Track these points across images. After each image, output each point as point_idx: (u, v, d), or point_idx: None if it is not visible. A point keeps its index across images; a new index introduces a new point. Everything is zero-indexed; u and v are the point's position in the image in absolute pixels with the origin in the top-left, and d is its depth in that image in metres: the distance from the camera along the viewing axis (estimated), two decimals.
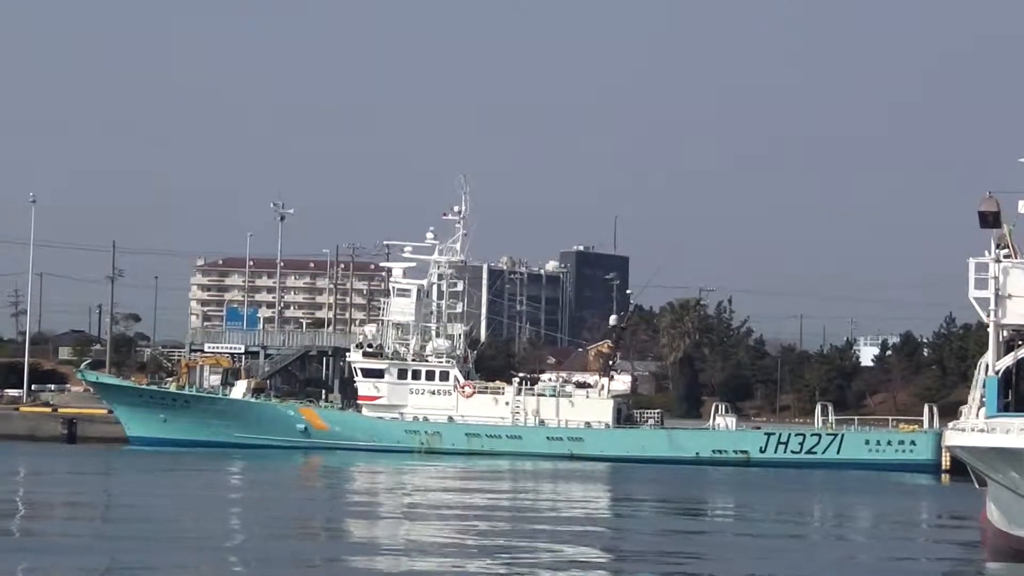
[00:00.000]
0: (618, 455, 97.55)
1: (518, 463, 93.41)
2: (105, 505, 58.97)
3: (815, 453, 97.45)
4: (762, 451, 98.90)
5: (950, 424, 38.09)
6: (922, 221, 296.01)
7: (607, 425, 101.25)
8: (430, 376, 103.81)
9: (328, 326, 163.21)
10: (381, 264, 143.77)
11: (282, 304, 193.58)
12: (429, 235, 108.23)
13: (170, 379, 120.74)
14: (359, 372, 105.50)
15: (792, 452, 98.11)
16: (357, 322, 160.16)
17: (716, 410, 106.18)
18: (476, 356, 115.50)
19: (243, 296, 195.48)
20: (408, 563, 34.09)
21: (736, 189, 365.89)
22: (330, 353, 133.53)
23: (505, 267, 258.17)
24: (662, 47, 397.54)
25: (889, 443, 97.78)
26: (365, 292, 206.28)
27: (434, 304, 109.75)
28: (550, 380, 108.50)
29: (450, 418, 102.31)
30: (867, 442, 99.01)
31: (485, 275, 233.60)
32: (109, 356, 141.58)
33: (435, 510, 56.99)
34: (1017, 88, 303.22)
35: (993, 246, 34.25)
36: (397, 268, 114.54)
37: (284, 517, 50.41)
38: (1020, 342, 34.75)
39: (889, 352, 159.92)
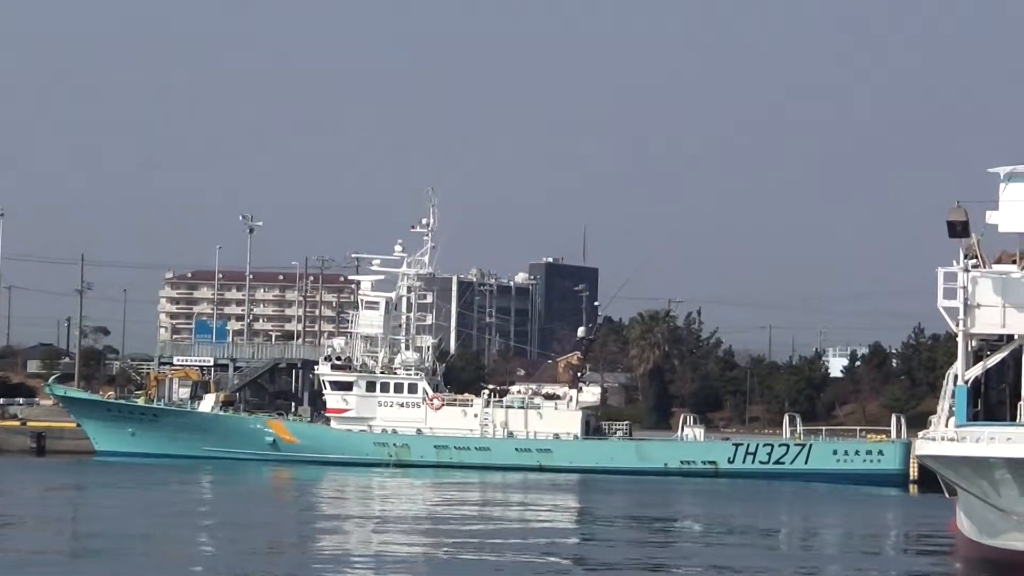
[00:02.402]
0: (587, 466, 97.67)
1: (487, 475, 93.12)
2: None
3: (783, 464, 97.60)
4: (730, 462, 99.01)
5: (920, 434, 38.19)
6: (890, 231, 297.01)
7: (576, 436, 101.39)
8: (399, 389, 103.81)
9: (297, 339, 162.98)
10: (350, 277, 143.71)
11: (251, 317, 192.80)
12: (398, 247, 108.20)
13: (139, 392, 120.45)
14: (328, 385, 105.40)
15: (760, 463, 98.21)
16: (326, 335, 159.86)
17: (685, 421, 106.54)
18: (445, 368, 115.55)
19: (212, 309, 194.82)
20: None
21: (706, 201, 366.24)
22: (299, 366, 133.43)
23: (474, 279, 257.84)
24: (630, 55, 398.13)
25: (857, 453, 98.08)
26: (334, 305, 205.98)
27: (403, 317, 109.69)
28: (519, 392, 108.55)
29: (419, 430, 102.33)
30: (835, 452, 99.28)
31: (454, 287, 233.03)
32: (78, 370, 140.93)
33: (404, 523, 56.83)
34: (986, 97, 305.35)
35: (962, 256, 34.39)
36: (366, 281, 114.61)
37: (253, 530, 50.16)
38: (988, 352, 34.92)
39: (858, 363, 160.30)
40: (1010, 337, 34.33)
